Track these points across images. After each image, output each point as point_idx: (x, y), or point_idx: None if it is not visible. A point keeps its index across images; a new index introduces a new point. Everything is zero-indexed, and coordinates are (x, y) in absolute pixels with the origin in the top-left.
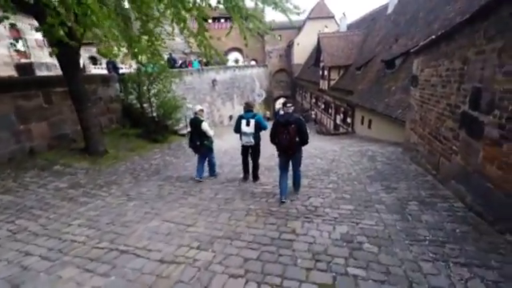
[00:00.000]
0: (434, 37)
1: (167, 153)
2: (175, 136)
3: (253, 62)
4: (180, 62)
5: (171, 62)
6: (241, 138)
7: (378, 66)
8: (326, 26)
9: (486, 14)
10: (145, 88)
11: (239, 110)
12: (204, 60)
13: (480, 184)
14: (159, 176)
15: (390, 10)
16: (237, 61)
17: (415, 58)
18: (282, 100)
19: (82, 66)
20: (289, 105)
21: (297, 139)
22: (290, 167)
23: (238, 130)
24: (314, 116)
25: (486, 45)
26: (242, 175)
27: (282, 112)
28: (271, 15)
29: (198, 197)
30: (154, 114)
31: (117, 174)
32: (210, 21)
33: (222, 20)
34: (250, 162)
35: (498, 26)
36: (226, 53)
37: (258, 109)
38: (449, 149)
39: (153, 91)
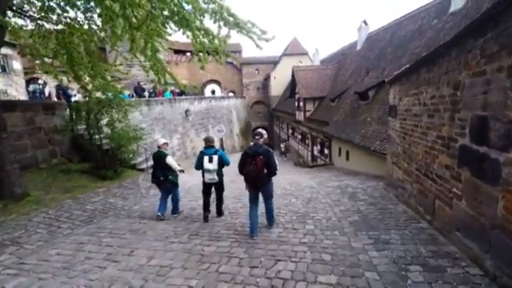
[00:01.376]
0: (408, 65)
1: (114, 193)
2: (132, 171)
3: (231, 94)
4: (149, 91)
5: (138, 91)
6: (203, 176)
7: (351, 97)
8: (301, 61)
9: (482, 29)
10: (93, 117)
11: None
12: (177, 90)
13: (505, 245)
14: (87, 228)
15: (359, 47)
16: (213, 91)
17: (391, 88)
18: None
19: (47, 93)
20: (257, 137)
21: (265, 171)
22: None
23: (199, 167)
24: (283, 146)
25: (485, 64)
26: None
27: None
28: (249, 51)
29: (135, 252)
30: (108, 147)
31: (26, 228)
32: (188, 54)
33: (201, 54)
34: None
35: (503, 40)
36: (205, 85)
37: (236, 140)
38: (447, 191)
39: (105, 121)
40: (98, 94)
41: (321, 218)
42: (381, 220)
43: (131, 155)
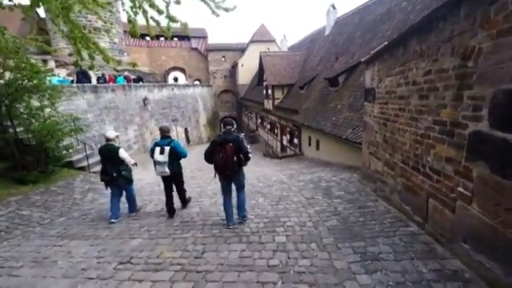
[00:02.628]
0: (393, 39)
1: (33, 201)
2: (69, 171)
3: (196, 82)
4: (96, 76)
5: (79, 76)
6: (155, 168)
7: (321, 84)
8: (268, 49)
9: None
10: (5, 104)
11: (179, 131)
12: (133, 76)
13: None
14: None
15: (327, 32)
16: (176, 79)
17: (367, 69)
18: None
19: None
20: (228, 127)
21: (235, 159)
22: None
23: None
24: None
25: None
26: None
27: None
28: (216, 37)
29: None
30: (33, 143)
31: None
32: (148, 38)
33: (162, 38)
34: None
35: None
36: (167, 72)
37: (203, 131)
38: (447, 189)
39: (22, 109)
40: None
41: (294, 223)
42: (363, 224)
43: (64, 151)
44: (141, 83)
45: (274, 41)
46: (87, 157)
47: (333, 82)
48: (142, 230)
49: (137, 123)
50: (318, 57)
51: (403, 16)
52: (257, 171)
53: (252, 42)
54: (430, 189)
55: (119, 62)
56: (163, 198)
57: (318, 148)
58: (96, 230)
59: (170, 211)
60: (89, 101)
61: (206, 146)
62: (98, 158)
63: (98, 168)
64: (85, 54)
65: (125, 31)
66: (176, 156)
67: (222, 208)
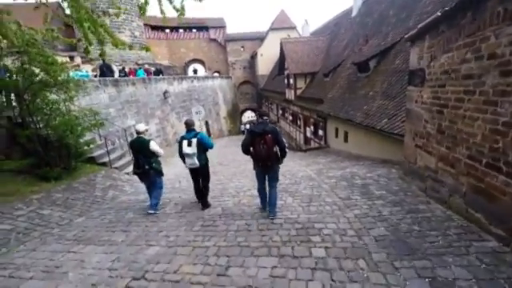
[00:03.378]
0: (454, 4)
1: (55, 199)
2: (91, 167)
3: (216, 74)
4: (117, 69)
5: (103, 70)
6: (184, 162)
7: (348, 70)
8: (289, 36)
9: None
10: (28, 99)
11: (199, 125)
12: (152, 69)
13: None
14: None
15: (354, 13)
16: (195, 71)
17: (413, 47)
18: (249, 113)
19: None
20: (265, 117)
21: (275, 149)
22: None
23: (180, 152)
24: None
25: None
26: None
27: (248, 126)
28: (234, 26)
29: None
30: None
31: None
32: (167, 30)
33: (181, 30)
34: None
35: None
36: (187, 64)
37: (223, 123)
38: None
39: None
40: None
41: (331, 231)
42: (421, 234)
43: (85, 147)
44: (160, 76)
45: (294, 28)
46: (108, 152)
47: (362, 68)
48: (160, 235)
49: (158, 117)
50: (343, 41)
51: None
52: (281, 166)
53: (271, 29)
54: None
55: (130, 47)
56: (184, 196)
57: (346, 140)
58: (112, 234)
59: (199, 197)
60: (110, 95)
61: (227, 139)
62: (119, 153)
63: (120, 163)
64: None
65: (145, 24)
66: (203, 148)
67: (257, 195)
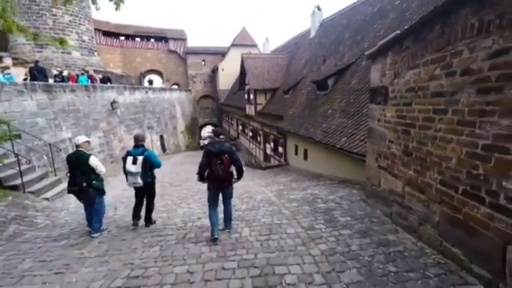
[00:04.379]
0: (427, 13)
1: None
2: None
3: (175, 87)
4: (55, 72)
5: (33, 73)
6: (126, 179)
7: (307, 88)
8: (250, 52)
9: None
10: None
11: (154, 139)
12: (99, 76)
13: None
14: None
15: (313, 34)
16: (151, 81)
17: (374, 64)
18: (209, 128)
19: None
20: (221, 136)
21: (231, 169)
22: None
23: (125, 169)
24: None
25: None
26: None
27: (206, 142)
28: (195, 39)
29: None
30: None
31: None
32: (121, 38)
33: (138, 39)
34: None
35: None
36: (143, 75)
37: (181, 138)
38: None
39: None
40: None
41: (296, 278)
42: (399, 278)
43: None
44: (109, 84)
45: (255, 45)
46: (21, 173)
47: (321, 86)
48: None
49: (102, 129)
50: (302, 60)
51: (397, 15)
52: (238, 186)
53: (233, 45)
54: (510, 229)
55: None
56: (114, 230)
57: (306, 158)
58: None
59: (135, 217)
60: (39, 102)
61: (184, 155)
62: (40, 172)
63: (39, 186)
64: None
65: (97, 29)
66: (149, 166)
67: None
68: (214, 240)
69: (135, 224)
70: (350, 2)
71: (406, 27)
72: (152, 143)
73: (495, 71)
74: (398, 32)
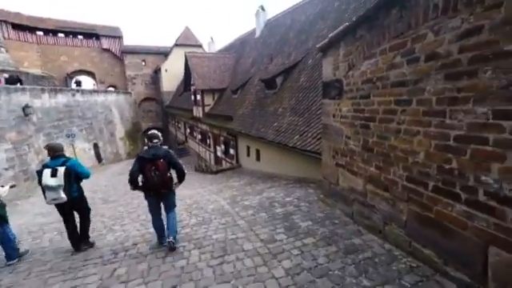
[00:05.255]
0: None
1: None
2: None
3: (111, 89)
4: None
5: None
6: (45, 196)
7: (256, 87)
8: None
9: None
10: None
11: (84, 148)
12: (4, 76)
13: None
14: None
15: (258, 34)
16: (78, 82)
17: (326, 57)
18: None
19: None
20: (155, 141)
21: (169, 174)
22: None
23: (41, 184)
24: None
25: None
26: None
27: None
28: (134, 38)
29: None
30: None
31: None
32: (39, 32)
33: (61, 34)
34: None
35: None
36: (70, 76)
37: (120, 146)
38: None
39: None
40: None
41: None
42: None
43: None
44: (19, 85)
45: (200, 46)
46: None
47: (270, 84)
48: None
49: (11, 140)
50: (250, 59)
51: (337, 15)
52: (187, 195)
53: (176, 45)
54: (494, 229)
55: None
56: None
57: (258, 159)
58: None
59: (75, 243)
60: None
61: (124, 164)
62: None
63: None
64: None
65: (3, 21)
66: (75, 177)
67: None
68: (163, 244)
69: (78, 249)
70: (290, 3)
71: (359, 15)
72: (75, 154)
73: (466, 53)
74: (353, 21)
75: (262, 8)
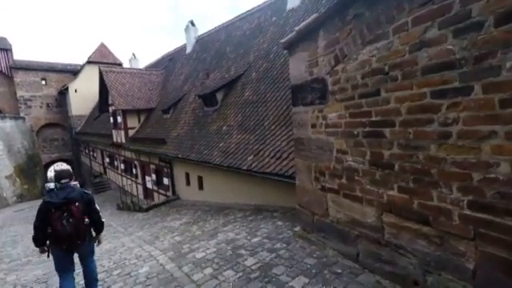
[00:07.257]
0: None
1: None
2: None
3: None
4: None
5: None
6: None
7: (192, 105)
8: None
9: None
10: None
11: None
12: None
13: None
14: None
15: (189, 49)
16: None
17: (294, 54)
18: (60, 165)
19: None
20: (65, 180)
21: (86, 220)
22: None
23: None
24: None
25: None
26: None
27: (51, 186)
28: (27, 52)
29: None
30: None
31: None
32: None
33: None
34: None
35: None
36: None
37: (7, 186)
38: None
39: None
40: None
41: None
42: None
43: None
44: None
45: (119, 64)
46: None
47: (209, 101)
48: None
49: None
50: (182, 75)
51: (277, 29)
52: (105, 251)
53: (89, 62)
54: None
55: None
56: None
57: (201, 187)
58: None
59: None
60: None
61: (12, 210)
62: None
63: None
64: None
65: None
66: None
67: None
68: None
69: None
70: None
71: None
72: None
73: None
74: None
75: (192, 23)
